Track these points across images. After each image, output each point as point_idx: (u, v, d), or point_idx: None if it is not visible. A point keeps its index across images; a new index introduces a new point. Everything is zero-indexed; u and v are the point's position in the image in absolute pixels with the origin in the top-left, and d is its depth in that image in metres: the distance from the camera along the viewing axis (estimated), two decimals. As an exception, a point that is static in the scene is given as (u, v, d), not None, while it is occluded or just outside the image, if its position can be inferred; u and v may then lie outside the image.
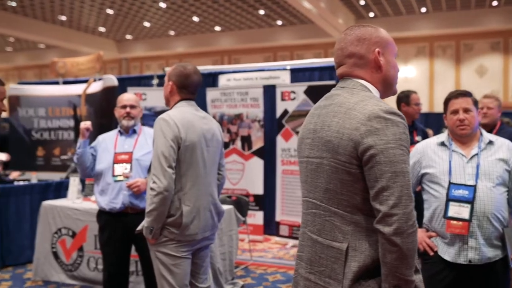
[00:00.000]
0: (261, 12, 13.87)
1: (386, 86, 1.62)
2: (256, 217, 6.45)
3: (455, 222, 2.45)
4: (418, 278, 1.45)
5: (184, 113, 2.60)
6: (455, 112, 2.57)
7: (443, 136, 2.66)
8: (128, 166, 3.32)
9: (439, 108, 13.61)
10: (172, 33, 16.82)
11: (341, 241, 1.48)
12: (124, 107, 3.42)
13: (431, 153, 2.62)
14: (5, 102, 2.70)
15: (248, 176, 6.47)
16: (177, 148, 2.50)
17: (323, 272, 1.51)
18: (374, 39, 1.59)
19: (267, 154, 6.51)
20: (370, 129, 1.41)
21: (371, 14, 14.12)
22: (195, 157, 2.57)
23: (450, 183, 2.50)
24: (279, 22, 15.15)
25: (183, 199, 2.54)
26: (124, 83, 7.06)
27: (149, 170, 2.63)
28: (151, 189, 2.46)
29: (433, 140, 2.69)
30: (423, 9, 13.42)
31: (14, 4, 13.27)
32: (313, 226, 1.58)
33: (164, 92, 2.75)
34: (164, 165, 2.44)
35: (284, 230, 6.26)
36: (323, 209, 1.54)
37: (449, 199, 2.49)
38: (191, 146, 2.55)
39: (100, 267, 4.48)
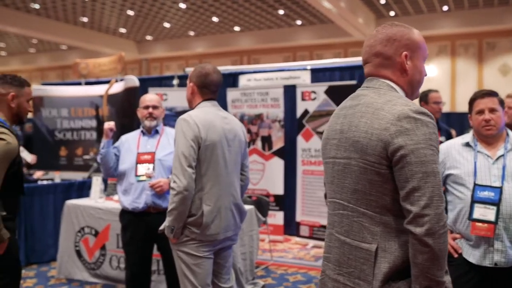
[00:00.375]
0: (281, 12, 13.84)
1: (410, 89, 1.60)
2: (276, 217, 6.45)
3: (480, 224, 2.41)
4: (447, 279, 1.43)
5: (205, 113, 2.62)
6: (481, 112, 2.53)
7: (468, 137, 2.62)
8: (150, 166, 3.36)
9: (461, 107, 13.44)
10: (191, 33, 16.90)
11: (370, 242, 1.47)
12: (146, 107, 3.46)
13: (455, 154, 2.58)
14: (30, 102, 2.75)
15: (269, 176, 6.48)
16: (197, 148, 2.51)
17: (352, 273, 1.51)
18: (404, 41, 1.56)
19: (288, 154, 6.50)
20: (400, 129, 1.40)
21: (392, 13, 13.98)
22: (215, 157, 2.58)
23: (475, 184, 2.46)
24: (299, 22, 15.11)
25: (204, 199, 2.55)
26: (145, 84, 7.12)
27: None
28: (171, 188, 2.48)
29: (458, 141, 2.66)
30: (445, 8, 13.24)
31: (37, 6, 13.49)
32: (341, 227, 1.57)
33: (186, 94, 2.77)
34: (184, 164, 2.46)
35: (304, 230, 6.24)
36: (351, 210, 1.53)
37: (474, 200, 2.45)
38: (212, 146, 2.56)
39: (122, 266, 4.53)
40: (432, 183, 1.37)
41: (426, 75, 1.64)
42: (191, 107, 2.75)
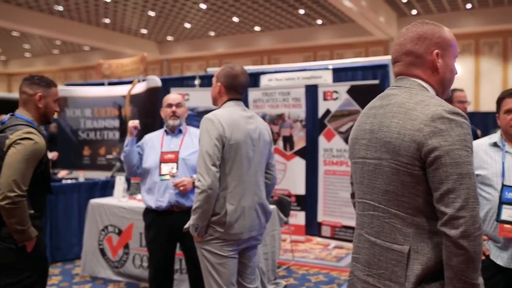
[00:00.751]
0: (301, 11, 13.82)
1: (442, 88, 1.58)
2: (298, 218, 6.44)
3: (508, 226, 2.37)
4: (481, 281, 1.41)
5: (230, 112, 2.62)
6: (509, 111, 2.48)
7: (496, 137, 2.57)
8: (174, 165, 3.37)
9: (485, 107, 13.22)
10: (212, 33, 16.98)
11: (402, 244, 1.45)
12: (170, 106, 3.48)
13: (482, 154, 2.54)
14: (57, 103, 2.79)
15: (290, 176, 6.46)
16: (221, 147, 2.52)
17: (383, 274, 1.49)
18: (435, 39, 1.54)
19: (309, 154, 6.48)
20: (434, 130, 1.38)
21: (414, 12, 13.84)
22: (239, 156, 2.58)
23: (503, 185, 2.41)
24: (319, 21, 15.06)
25: (228, 198, 2.55)
26: (167, 84, 7.17)
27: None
28: (196, 187, 2.50)
29: (485, 141, 2.61)
30: (469, 5, 13.05)
31: (60, 8, 13.71)
32: (371, 228, 1.55)
33: (212, 92, 2.78)
34: (208, 163, 2.47)
35: (326, 230, 6.22)
36: (381, 211, 1.51)
37: (502, 202, 2.40)
38: (236, 145, 2.56)
39: (145, 264, 4.57)
40: (467, 185, 1.34)
41: (456, 73, 1.61)
42: (216, 105, 2.76)
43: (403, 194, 1.45)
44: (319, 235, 6.32)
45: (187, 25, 15.70)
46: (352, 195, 1.79)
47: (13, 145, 2.43)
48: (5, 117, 2.63)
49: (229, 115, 2.60)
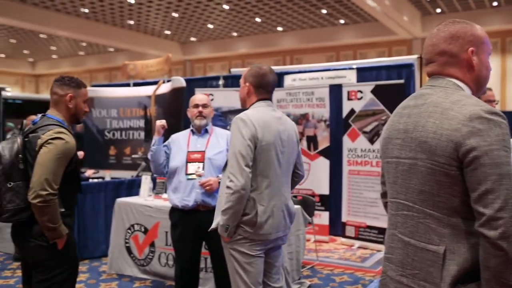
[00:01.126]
0: (324, 11, 13.76)
1: (477, 86, 1.57)
2: (322, 217, 6.42)
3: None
4: None
5: (261, 113, 2.63)
6: None
7: None
8: (200, 165, 3.40)
9: (511, 106, 12.97)
10: (234, 34, 17.04)
11: (438, 244, 1.44)
12: (196, 106, 3.51)
13: None
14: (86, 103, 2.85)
15: (314, 176, 6.45)
16: (254, 148, 2.52)
17: (417, 275, 1.48)
18: (468, 37, 1.53)
19: (333, 154, 6.46)
20: (472, 130, 1.36)
21: (438, 10, 13.66)
22: (270, 157, 2.58)
23: None
24: (342, 21, 14.97)
25: (258, 199, 2.56)
26: (191, 84, 7.22)
27: (224, 168, 2.67)
28: (228, 187, 2.49)
29: None
30: (495, 3, 12.82)
31: (86, 10, 13.93)
32: (405, 228, 1.54)
33: (240, 94, 2.79)
34: (242, 164, 2.48)
35: (350, 231, 6.19)
36: (416, 211, 1.50)
37: None
38: (267, 146, 2.57)
39: (171, 263, 4.62)
40: (506, 185, 1.32)
41: (491, 70, 1.60)
42: (245, 107, 2.77)
43: (438, 194, 1.43)
44: (343, 235, 6.29)
45: (210, 26, 15.79)
46: (383, 195, 1.78)
47: (45, 144, 2.48)
48: (37, 117, 2.69)
49: (260, 116, 2.60)
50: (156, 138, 3.45)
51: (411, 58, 6.56)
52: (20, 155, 2.50)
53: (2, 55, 21.66)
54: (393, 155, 1.59)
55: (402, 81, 6.02)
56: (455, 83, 1.53)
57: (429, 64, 1.60)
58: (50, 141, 2.48)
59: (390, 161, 1.62)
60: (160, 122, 3.45)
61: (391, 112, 6.17)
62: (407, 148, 1.53)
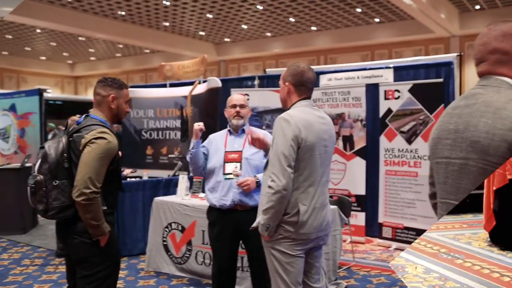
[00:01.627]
0: (358, 10, 13.62)
1: None
2: (358, 218, 6.35)
3: None
4: None
5: (303, 113, 2.62)
6: None
7: None
8: (238, 164, 3.42)
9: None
10: (268, 34, 17.05)
11: None
12: (234, 106, 3.53)
13: None
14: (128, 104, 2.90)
15: (350, 176, 6.40)
16: (296, 148, 2.52)
17: None
18: None
19: (370, 154, 6.38)
20: None
21: (477, 7, 13.31)
22: (313, 157, 2.58)
23: None
24: (377, 20, 14.78)
25: (300, 198, 2.56)
26: (227, 85, 7.28)
27: (265, 167, 2.68)
28: (269, 187, 2.49)
29: None
30: (538, -1, 12.42)
31: (123, 13, 14.21)
32: None
33: (280, 95, 2.78)
34: (284, 164, 2.48)
35: (387, 232, 6.10)
36: None
37: None
38: (310, 146, 2.56)
39: (207, 261, 4.67)
40: None
41: None
42: (286, 107, 2.76)
43: None
44: (380, 237, 6.21)
45: (244, 26, 15.85)
46: (431, 196, 1.76)
47: (89, 144, 2.55)
48: (80, 117, 2.77)
49: (303, 116, 2.60)
50: (194, 141, 3.48)
51: (451, 56, 6.43)
52: (65, 154, 2.57)
53: (43, 58, 22.34)
54: (443, 155, 1.57)
55: (441, 80, 5.90)
56: (508, 82, 1.50)
57: (480, 64, 1.57)
58: (93, 140, 2.55)
59: (440, 162, 1.60)
60: (198, 125, 3.48)
61: (430, 111, 6.06)
62: (457, 148, 1.50)
